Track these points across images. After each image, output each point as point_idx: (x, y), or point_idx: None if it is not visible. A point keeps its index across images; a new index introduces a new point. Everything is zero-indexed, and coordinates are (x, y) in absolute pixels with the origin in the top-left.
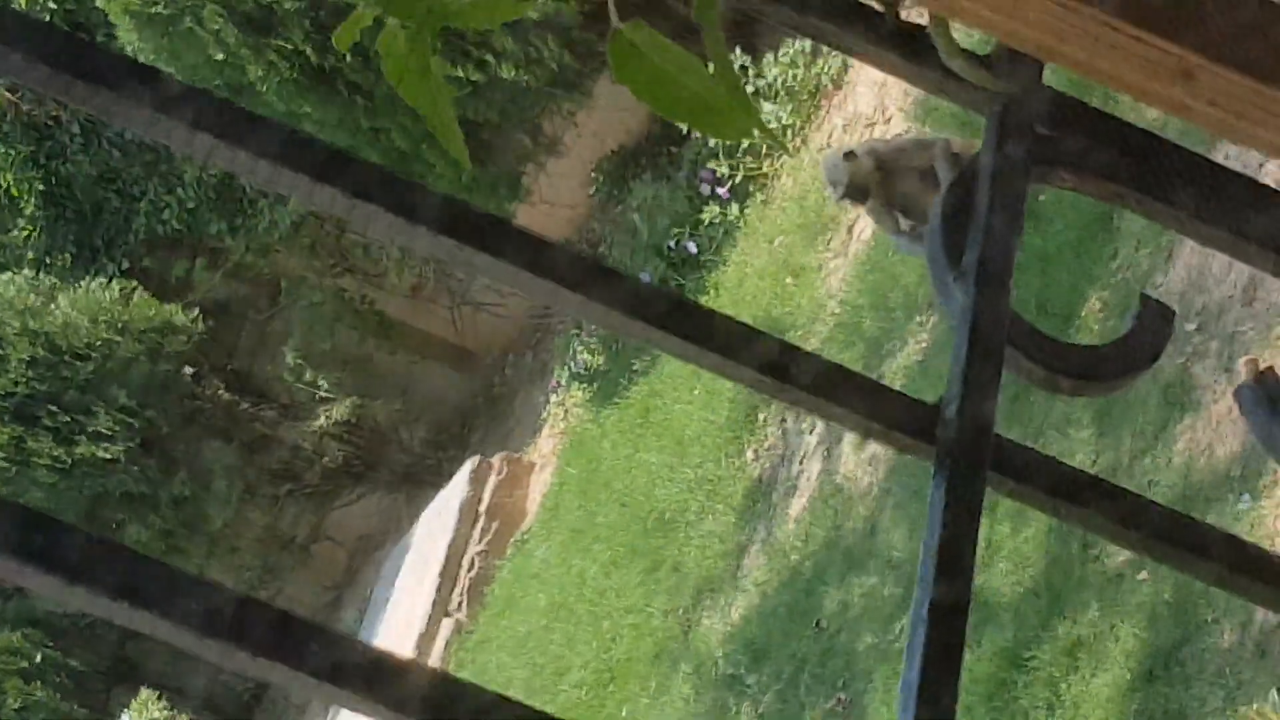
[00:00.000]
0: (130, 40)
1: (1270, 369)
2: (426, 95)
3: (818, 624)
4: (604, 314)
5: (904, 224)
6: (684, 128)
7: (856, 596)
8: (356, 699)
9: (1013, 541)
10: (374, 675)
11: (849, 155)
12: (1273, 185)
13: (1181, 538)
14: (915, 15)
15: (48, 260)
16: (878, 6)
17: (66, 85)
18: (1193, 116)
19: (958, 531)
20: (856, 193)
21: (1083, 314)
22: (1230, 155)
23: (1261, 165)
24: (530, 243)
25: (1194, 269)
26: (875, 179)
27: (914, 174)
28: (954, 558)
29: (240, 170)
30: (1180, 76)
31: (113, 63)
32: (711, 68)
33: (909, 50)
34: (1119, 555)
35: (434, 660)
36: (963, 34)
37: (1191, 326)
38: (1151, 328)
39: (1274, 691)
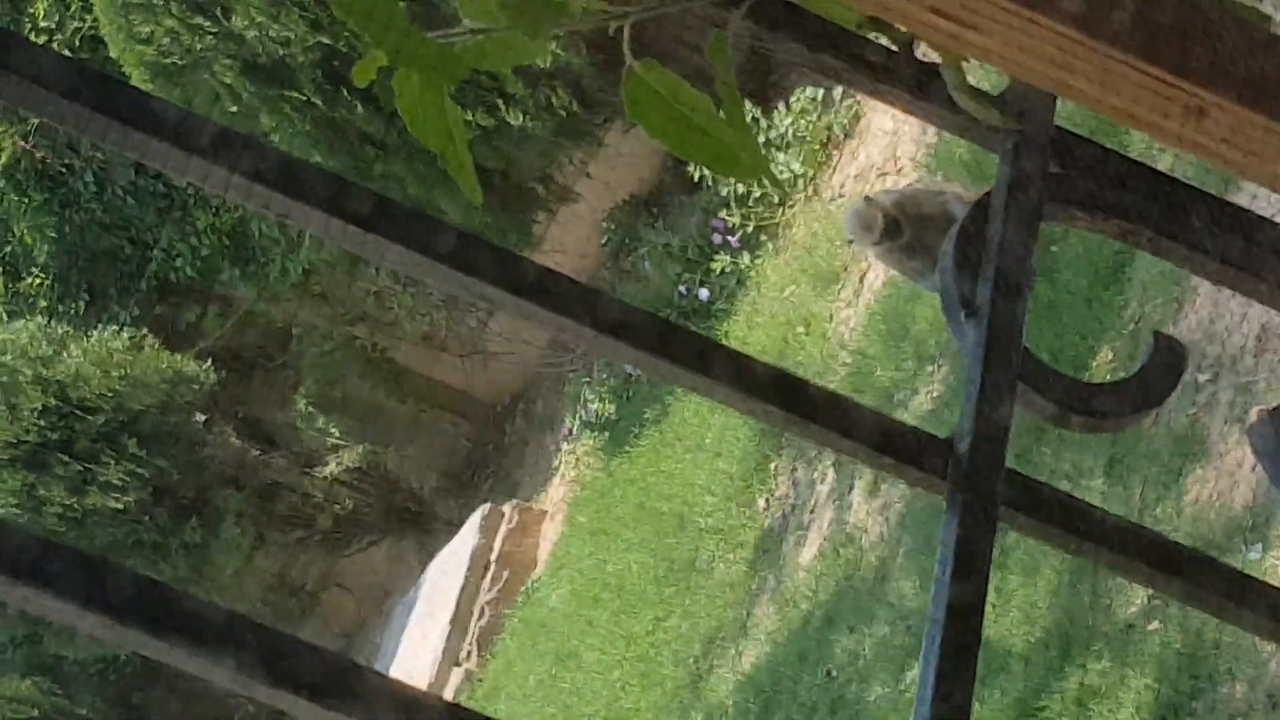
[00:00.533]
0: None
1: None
2: (441, 135)
3: (829, 673)
4: (614, 347)
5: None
6: (695, 176)
7: (867, 646)
8: None
9: (1023, 591)
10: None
11: (869, 200)
12: None
13: (1194, 573)
14: (928, 54)
15: (60, 308)
16: (891, 46)
17: (106, 129)
18: (1205, 154)
19: (971, 553)
20: (894, 229)
21: (1094, 364)
22: (1258, 196)
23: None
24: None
25: (1205, 319)
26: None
27: (927, 221)
28: (969, 579)
29: (293, 219)
30: (1193, 113)
31: (151, 106)
32: (722, 106)
33: (921, 89)
34: (1130, 605)
35: (469, 643)
36: (978, 70)
37: (1204, 377)
38: (1164, 365)
39: None
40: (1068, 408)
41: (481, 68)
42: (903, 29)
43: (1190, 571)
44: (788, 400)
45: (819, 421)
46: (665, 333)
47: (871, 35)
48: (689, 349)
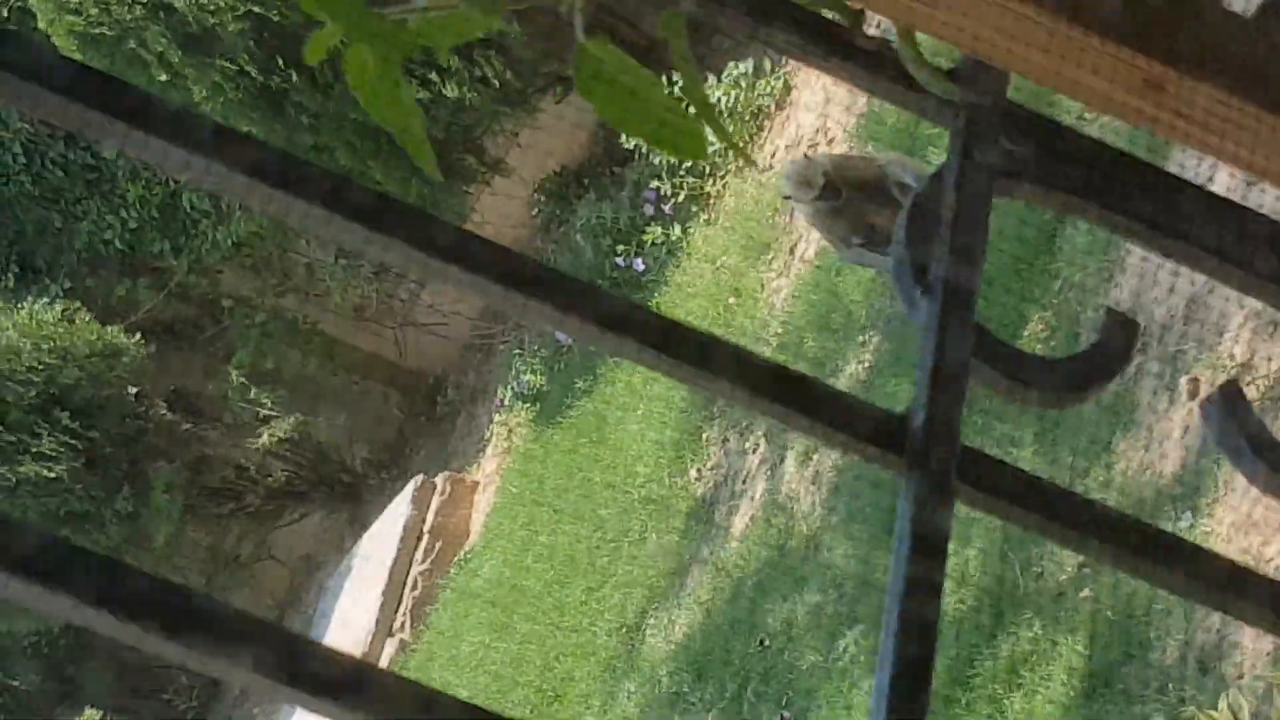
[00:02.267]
0: None
1: (1234, 381)
2: (397, 112)
3: (762, 641)
4: (561, 319)
5: (853, 239)
6: (628, 146)
7: (800, 614)
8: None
9: (954, 559)
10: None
11: (809, 158)
12: (1223, 195)
13: (1143, 544)
14: (877, 29)
15: None
16: (841, 20)
17: (103, 125)
18: (1159, 129)
19: (928, 542)
20: (833, 191)
21: (1025, 333)
22: (1185, 166)
23: (1211, 178)
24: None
25: (1135, 290)
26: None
27: (861, 186)
28: (928, 556)
29: (295, 218)
30: (1149, 88)
31: (151, 104)
32: (679, 82)
33: (872, 63)
34: (1061, 573)
35: (403, 615)
36: (926, 44)
37: None
38: (1117, 339)
39: (1223, 697)
40: (1021, 383)
41: (434, 44)
42: (853, 2)
43: (1152, 549)
44: (739, 374)
45: (769, 396)
46: (616, 307)
47: (821, 9)
48: (640, 324)
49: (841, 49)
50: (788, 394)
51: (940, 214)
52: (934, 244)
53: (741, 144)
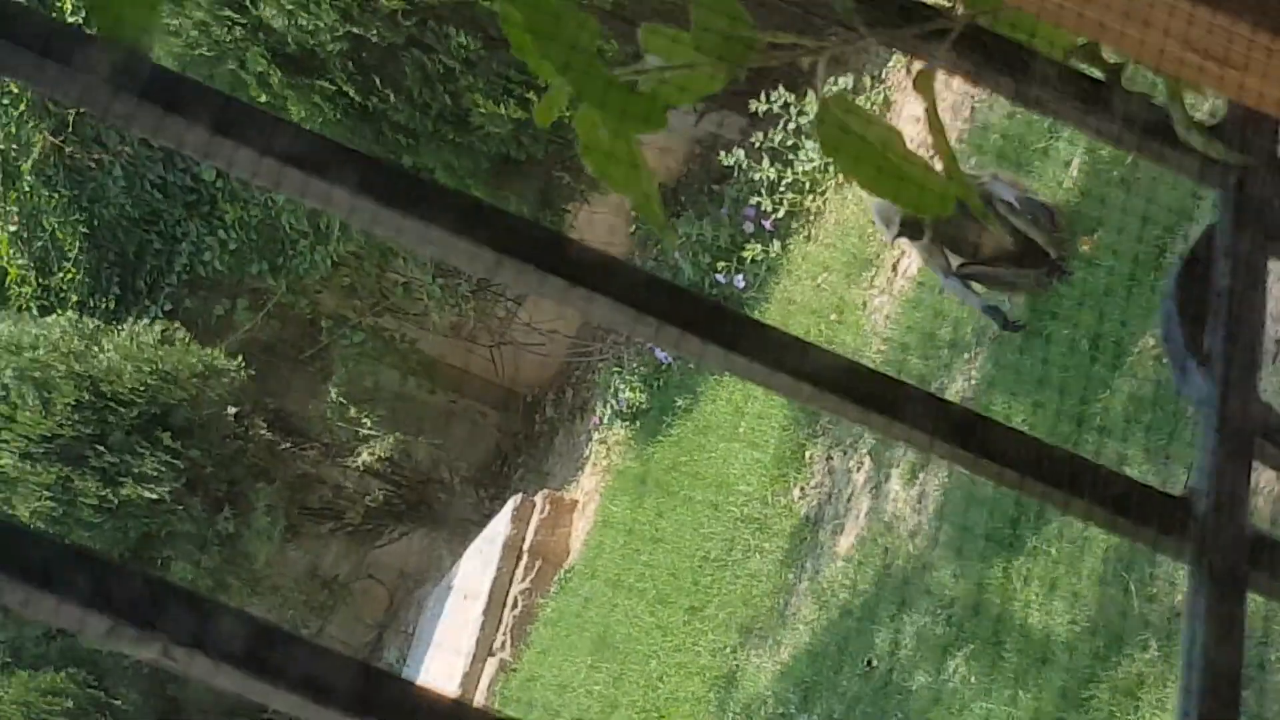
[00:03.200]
0: None
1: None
2: (630, 176)
3: (869, 663)
4: (747, 367)
5: (954, 262)
6: (728, 164)
7: (908, 635)
8: None
9: (1068, 580)
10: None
11: None
12: None
13: None
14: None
15: (91, 302)
16: (1101, 76)
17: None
18: None
19: (1222, 641)
20: (912, 229)
21: (1135, 352)
22: None
23: None
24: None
25: None
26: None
27: (961, 210)
28: (1221, 673)
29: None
30: None
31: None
32: (934, 145)
33: (1132, 120)
34: (1175, 594)
35: (479, 699)
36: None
37: None
38: None
39: None
40: None
41: (673, 104)
42: (1121, 61)
43: None
44: (984, 447)
45: (1038, 478)
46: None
47: (1080, 65)
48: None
49: (1101, 107)
50: (1057, 476)
51: (1213, 281)
52: (1211, 315)
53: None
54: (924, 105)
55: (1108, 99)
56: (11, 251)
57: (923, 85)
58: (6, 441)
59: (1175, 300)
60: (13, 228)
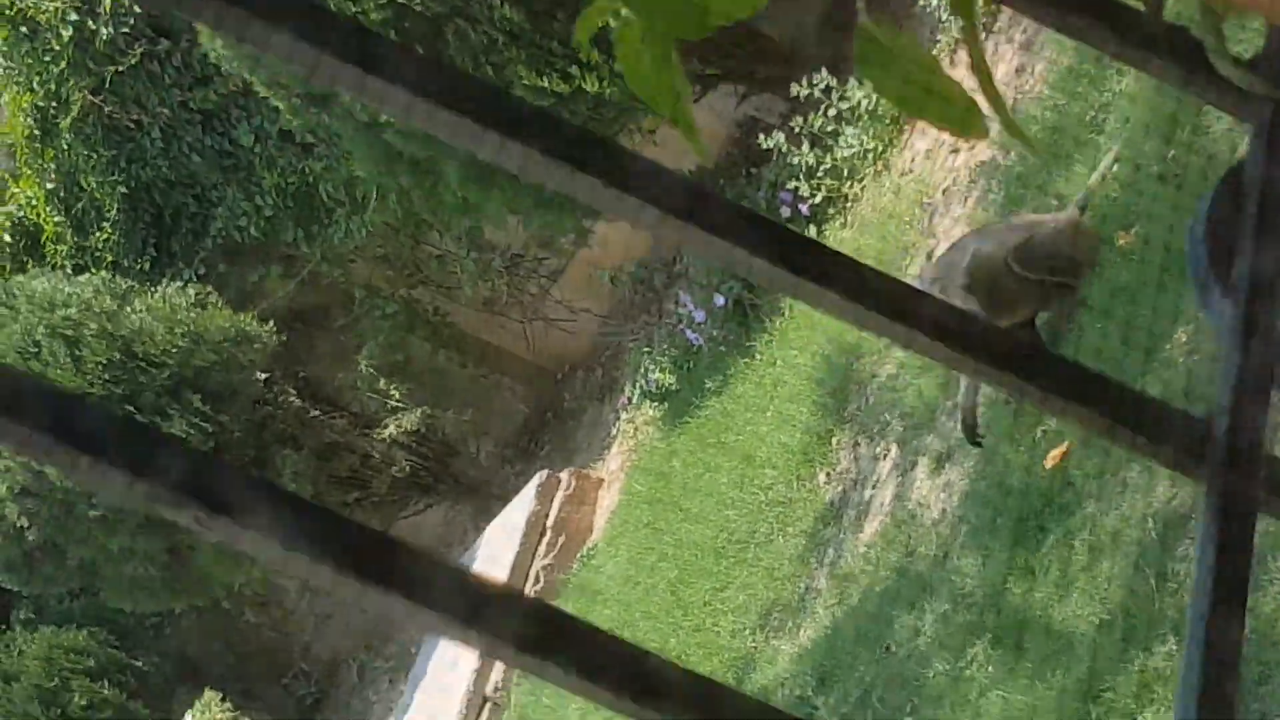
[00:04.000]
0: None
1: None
2: (666, 93)
3: (888, 649)
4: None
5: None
6: (767, 147)
7: (928, 623)
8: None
9: (1088, 574)
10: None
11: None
12: None
13: None
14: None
15: (125, 263)
16: (1138, 5)
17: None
18: None
19: (1233, 559)
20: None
21: (1168, 346)
22: None
23: None
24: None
25: None
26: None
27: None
28: (1230, 588)
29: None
30: None
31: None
32: (971, 64)
33: (1170, 52)
34: None
35: (497, 675)
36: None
37: None
38: None
39: None
40: None
41: (724, 18)
42: None
43: None
44: (1033, 371)
45: (1065, 396)
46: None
47: None
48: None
49: (1139, 37)
50: (1070, 387)
51: (1243, 211)
52: (1237, 242)
53: (877, 148)
54: (966, 28)
55: (1146, 30)
56: (49, 209)
57: (962, 4)
58: None
59: (1204, 230)
60: (50, 185)
